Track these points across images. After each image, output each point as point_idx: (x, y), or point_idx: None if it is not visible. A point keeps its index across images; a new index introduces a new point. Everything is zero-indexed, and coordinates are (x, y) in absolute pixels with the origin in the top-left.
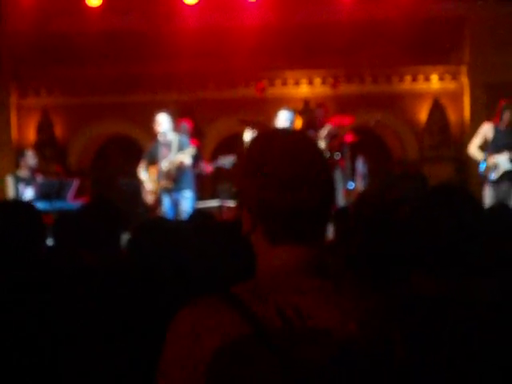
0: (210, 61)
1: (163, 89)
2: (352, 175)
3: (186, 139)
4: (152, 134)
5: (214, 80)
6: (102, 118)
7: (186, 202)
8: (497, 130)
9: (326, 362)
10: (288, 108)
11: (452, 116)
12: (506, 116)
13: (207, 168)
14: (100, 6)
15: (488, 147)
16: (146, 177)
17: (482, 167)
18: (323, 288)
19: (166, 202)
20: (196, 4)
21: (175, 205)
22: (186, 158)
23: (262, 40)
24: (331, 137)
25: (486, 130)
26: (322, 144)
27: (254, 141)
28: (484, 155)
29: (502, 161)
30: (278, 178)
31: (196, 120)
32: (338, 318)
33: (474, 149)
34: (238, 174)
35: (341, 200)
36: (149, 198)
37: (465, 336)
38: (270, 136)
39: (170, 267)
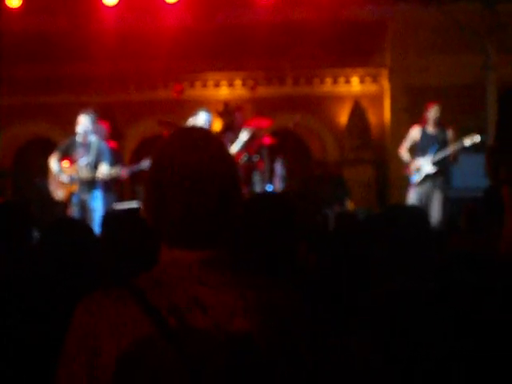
0: (131, 62)
1: (84, 90)
2: (270, 177)
3: (105, 145)
4: (71, 135)
5: (134, 82)
6: (22, 118)
7: (96, 201)
8: (424, 133)
9: (227, 363)
10: (206, 109)
11: (372, 118)
12: (431, 116)
13: (123, 173)
14: (20, 6)
15: (416, 150)
16: (58, 169)
17: (407, 171)
18: (222, 281)
19: (78, 203)
20: (116, 5)
21: (83, 204)
22: (107, 175)
23: (182, 42)
24: (250, 139)
25: (414, 133)
26: (239, 146)
27: (158, 144)
28: (410, 158)
29: (424, 164)
30: (167, 184)
31: (116, 121)
32: (239, 312)
33: (403, 151)
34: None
35: None
36: (58, 194)
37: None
38: (168, 139)
39: (78, 266)
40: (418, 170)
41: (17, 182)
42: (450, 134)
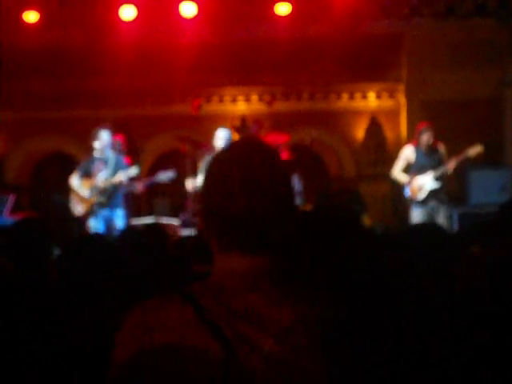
0: (148, 77)
1: (101, 105)
2: None
3: (121, 159)
4: (89, 150)
5: (151, 96)
6: (39, 133)
7: (119, 220)
8: (418, 151)
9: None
10: (225, 126)
11: (389, 133)
12: (424, 138)
13: (139, 187)
14: (37, 21)
15: (411, 169)
16: (79, 184)
17: (407, 191)
18: (275, 294)
19: (98, 217)
20: (133, 20)
21: (107, 222)
22: (126, 177)
23: (199, 57)
24: None
25: (408, 153)
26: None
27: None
28: (408, 178)
29: (426, 181)
30: (220, 187)
31: (132, 136)
32: (294, 328)
33: (397, 172)
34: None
35: None
36: (78, 209)
37: None
38: (226, 148)
39: (98, 282)
40: (421, 188)
41: (34, 198)
42: (441, 149)
